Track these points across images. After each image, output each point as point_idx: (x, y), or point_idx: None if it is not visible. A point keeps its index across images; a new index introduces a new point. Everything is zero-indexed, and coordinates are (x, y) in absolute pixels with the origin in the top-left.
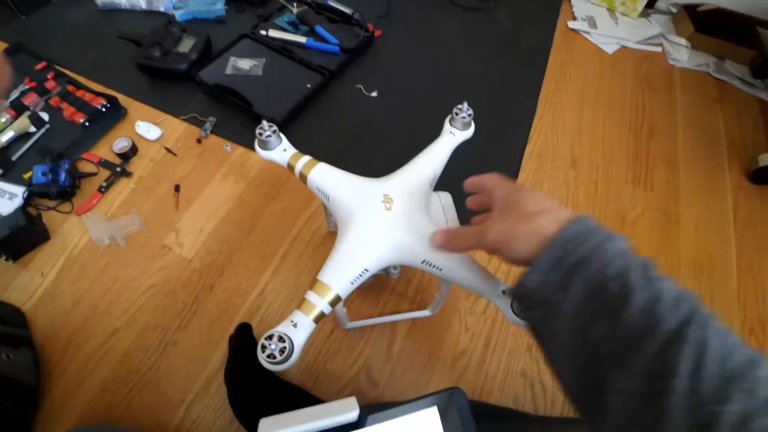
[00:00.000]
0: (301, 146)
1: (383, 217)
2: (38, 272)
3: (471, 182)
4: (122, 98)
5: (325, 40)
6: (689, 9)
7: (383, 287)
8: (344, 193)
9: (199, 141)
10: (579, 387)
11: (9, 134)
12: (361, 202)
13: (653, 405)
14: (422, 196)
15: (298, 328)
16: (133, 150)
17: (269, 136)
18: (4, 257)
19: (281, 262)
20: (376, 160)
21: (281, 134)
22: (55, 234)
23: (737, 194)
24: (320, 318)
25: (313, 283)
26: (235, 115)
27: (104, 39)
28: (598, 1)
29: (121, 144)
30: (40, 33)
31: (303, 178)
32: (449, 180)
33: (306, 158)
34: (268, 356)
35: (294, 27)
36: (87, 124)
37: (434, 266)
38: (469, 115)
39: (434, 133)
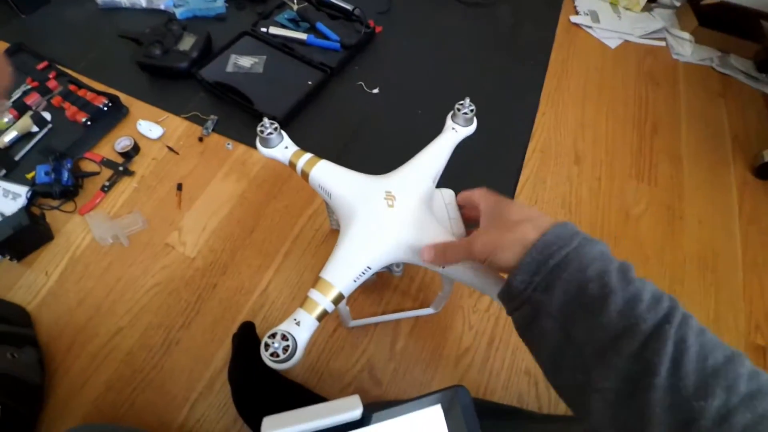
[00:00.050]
0: (303, 144)
1: (385, 215)
2: (42, 272)
3: (461, 197)
4: (124, 97)
5: (326, 37)
6: (693, 3)
7: (386, 285)
8: (346, 191)
9: (200, 139)
10: (567, 386)
11: (12, 134)
12: (363, 199)
13: (635, 403)
14: (425, 193)
15: (301, 327)
16: (135, 149)
17: (270, 133)
18: (9, 257)
19: (284, 260)
20: (378, 157)
21: (282, 132)
22: (59, 233)
23: (742, 189)
24: (323, 316)
25: (315, 281)
26: (236, 113)
27: (105, 38)
28: None
29: (123, 143)
30: (41, 32)
31: (305, 175)
32: (452, 177)
33: (307, 156)
34: (272, 355)
35: (294, 24)
36: (89, 123)
37: None
38: (472, 111)
39: (436, 130)
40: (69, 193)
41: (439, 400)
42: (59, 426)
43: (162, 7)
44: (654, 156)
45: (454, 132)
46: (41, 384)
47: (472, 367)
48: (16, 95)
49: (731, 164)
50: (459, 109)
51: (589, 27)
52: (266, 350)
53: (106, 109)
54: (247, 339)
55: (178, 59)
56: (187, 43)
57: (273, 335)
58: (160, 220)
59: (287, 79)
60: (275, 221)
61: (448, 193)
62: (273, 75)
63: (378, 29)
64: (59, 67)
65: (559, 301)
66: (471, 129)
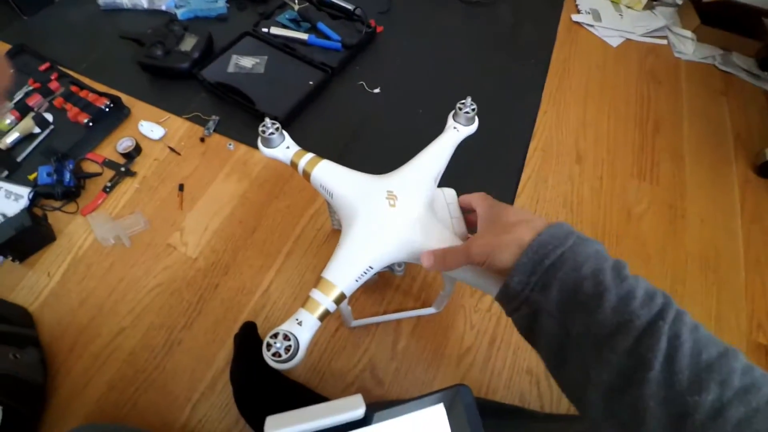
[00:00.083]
0: (304, 144)
1: (387, 214)
2: (44, 272)
3: (461, 200)
4: (125, 98)
5: (327, 37)
6: (695, 1)
7: (388, 285)
8: (348, 190)
9: (202, 140)
10: (569, 382)
11: (14, 135)
12: (364, 199)
13: (630, 397)
14: (426, 193)
15: (303, 327)
16: (137, 150)
17: (272, 133)
18: (11, 258)
19: (285, 260)
20: (379, 156)
21: (284, 132)
22: (61, 234)
23: (744, 188)
24: (325, 316)
25: (317, 281)
26: (237, 113)
27: (106, 39)
28: None
29: (124, 144)
30: (42, 34)
31: (306, 175)
32: (453, 176)
33: (309, 155)
34: (274, 355)
35: (296, 24)
36: (91, 124)
37: None
38: (473, 110)
39: (437, 130)
40: (71, 194)
41: (442, 399)
42: (62, 426)
43: (163, 7)
44: (656, 154)
45: (456, 131)
46: (43, 384)
47: (474, 366)
48: (18, 97)
49: (733, 162)
50: (461, 108)
51: (591, 25)
52: (268, 350)
53: (107, 110)
54: (248, 339)
55: (179, 60)
56: (188, 43)
57: (275, 335)
58: (162, 220)
59: (288, 79)
60: (277, 221)
61: (449, 193)
62: (274, 75)
63: (379, 29)
64: (61, 68)
65: (556, 300)
66: (472, 128)
